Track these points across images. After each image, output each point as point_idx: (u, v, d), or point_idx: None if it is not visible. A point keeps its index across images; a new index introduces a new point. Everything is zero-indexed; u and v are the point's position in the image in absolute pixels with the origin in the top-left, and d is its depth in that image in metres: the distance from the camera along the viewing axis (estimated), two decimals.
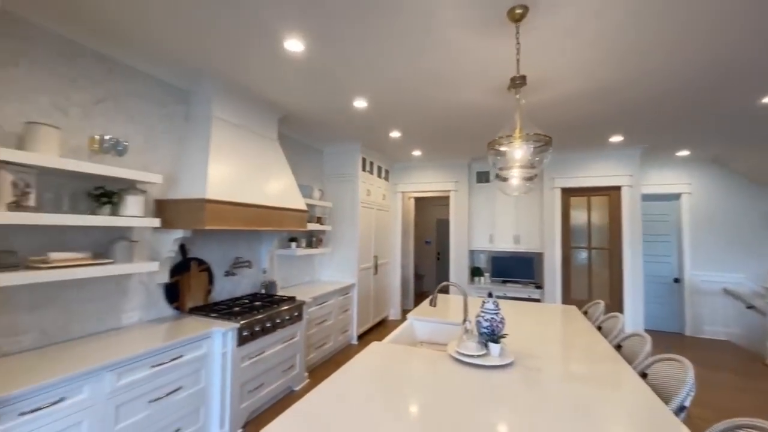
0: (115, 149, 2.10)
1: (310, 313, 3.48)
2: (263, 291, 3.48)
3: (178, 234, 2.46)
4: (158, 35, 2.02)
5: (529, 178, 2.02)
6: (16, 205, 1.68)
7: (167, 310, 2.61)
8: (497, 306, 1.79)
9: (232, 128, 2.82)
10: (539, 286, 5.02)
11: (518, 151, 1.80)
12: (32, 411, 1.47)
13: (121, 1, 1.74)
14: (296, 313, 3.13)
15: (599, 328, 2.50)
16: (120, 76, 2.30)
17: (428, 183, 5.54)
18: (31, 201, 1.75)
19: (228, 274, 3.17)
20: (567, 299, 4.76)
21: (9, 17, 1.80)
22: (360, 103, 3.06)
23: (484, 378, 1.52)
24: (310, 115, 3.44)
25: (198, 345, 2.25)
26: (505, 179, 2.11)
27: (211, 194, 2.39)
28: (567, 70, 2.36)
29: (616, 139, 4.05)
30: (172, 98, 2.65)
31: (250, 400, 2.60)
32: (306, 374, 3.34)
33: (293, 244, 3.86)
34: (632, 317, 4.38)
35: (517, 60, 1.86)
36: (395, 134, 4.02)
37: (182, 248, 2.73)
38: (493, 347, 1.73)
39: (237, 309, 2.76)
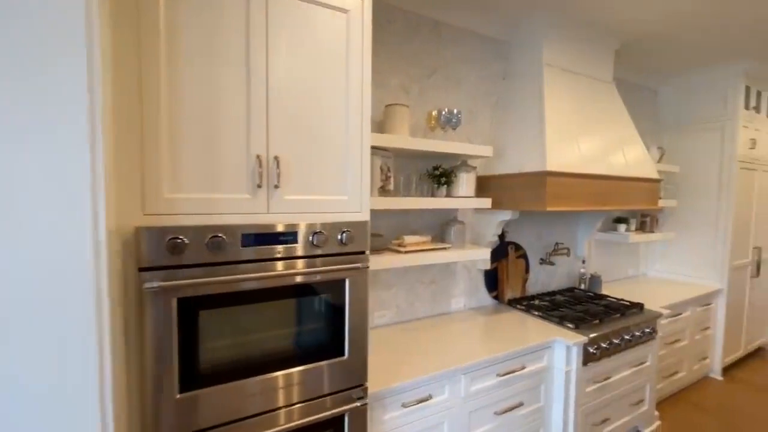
0: (450, 123, 1.88)
1: (661, 328, 2.42)
2: (582, 286, 2.73)
3: (505, 216, 2.08)
4: None
5: None
6: (382, 190, 1.71)
7: (487, 298, 2.37)
8: None
9: (564, 76, 2.12)
10: None
11: None
12: (410, 405, 1.43)
13: None
14: (648, 329, 2.19)
15: None
16: (447, 40, 2.07)
17: None
18: (391, 185, 1.76)
19: (543, 262, 2.62)
20: None
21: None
22: None
23: None
24: (661, 30, 2.24)
25: (539, 356, 1.82)
26: None
27: (552, 165, 1.82)
28: None
29: None
30: (490, 54, 2.24)
31: None
32: (656, 413, 2.37)
33: (622, 227, 2.84)
34: None
35: None
36: None
37: (501, 232, 2.38)
38: None
39: (567, 311, 2.15)
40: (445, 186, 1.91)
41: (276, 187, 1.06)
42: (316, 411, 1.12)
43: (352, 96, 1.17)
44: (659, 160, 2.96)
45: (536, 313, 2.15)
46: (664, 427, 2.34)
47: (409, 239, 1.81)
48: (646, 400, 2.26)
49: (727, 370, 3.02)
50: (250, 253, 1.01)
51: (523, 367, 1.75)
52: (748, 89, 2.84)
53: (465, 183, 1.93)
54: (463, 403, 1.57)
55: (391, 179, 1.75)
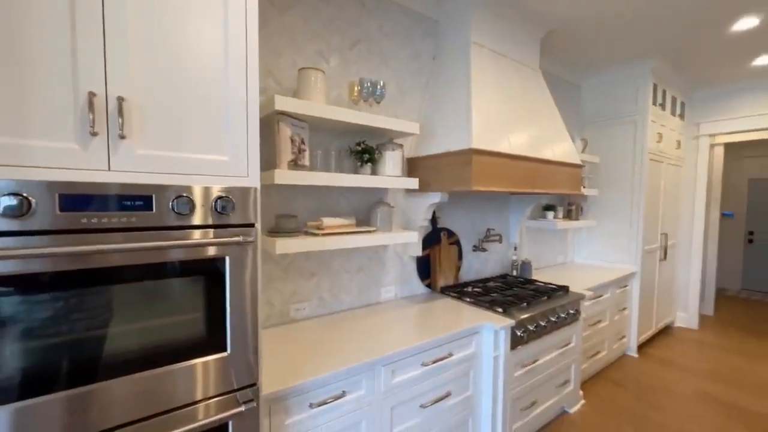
0: (374, 95, 1.74)
1: (584, 310, 2.50)
2: (514, 273, 2.75)
3: (434, 198, 1.98)
4: None
5: None
6: (294, 164, 1.51)
7: (420, 287, 2.26)
8: None
9: (492, 57, 2.09)
10: None
11: None
12: (320, 404, 1.24)
13: None
14: (573, 311, 2.23)
15: None
16: (371, 11, 1.93)
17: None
18: (306, 159, 1.56)
19: (476, 249, 2.59)
20: None
21: None
22: None
23: None
24: (585, 20, 2.31)
25: (467, 342, 1.73)
26: None
27: (478, 143, 1.75)
28: None
29: None
30: (419, 31, 2.14)
31: (522, 420, 1.95)
32: (581, 392, 2.43)
33: (550, 214, 2.92)
34: None
35: None
36: (747, 23, 2.29)
37: (433, 216, 2.30)
38: None
39: (497, 296, 2.12)
40: (369, 164, 1.76)
41: (122, 137, 0.82)
42: (182, 423, 0.89)
43: (232, 23, 0.95)
44: (583, 151, 3.10)
45: (468, 299, 2.09)
46: (588, 405, 2.41)
47: (328, 221, 1.63)
48: (571, 380, 2.30)
49: (641, 347, 3.25)
50: (75, 220, 0.76)
51: (450, 355, 1.65)
52: (655, 87, 3.08)
53: (391, 162, 1.79)
54: (384, 398, 1.43)
55: (306, 153, 1.56)
